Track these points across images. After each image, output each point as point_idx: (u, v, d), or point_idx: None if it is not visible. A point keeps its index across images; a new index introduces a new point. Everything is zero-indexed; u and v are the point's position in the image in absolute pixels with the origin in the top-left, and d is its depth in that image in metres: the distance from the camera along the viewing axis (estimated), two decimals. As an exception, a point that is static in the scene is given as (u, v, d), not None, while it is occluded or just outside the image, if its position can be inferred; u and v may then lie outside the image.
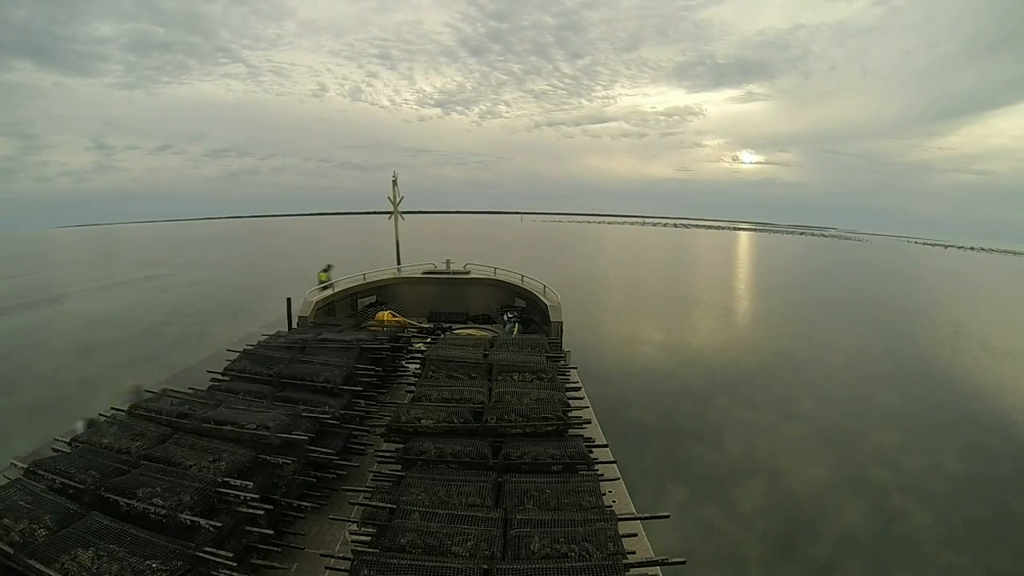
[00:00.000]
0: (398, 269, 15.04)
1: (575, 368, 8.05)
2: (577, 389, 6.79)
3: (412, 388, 6.49)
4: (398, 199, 17.53)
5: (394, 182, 17.44)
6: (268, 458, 4.68)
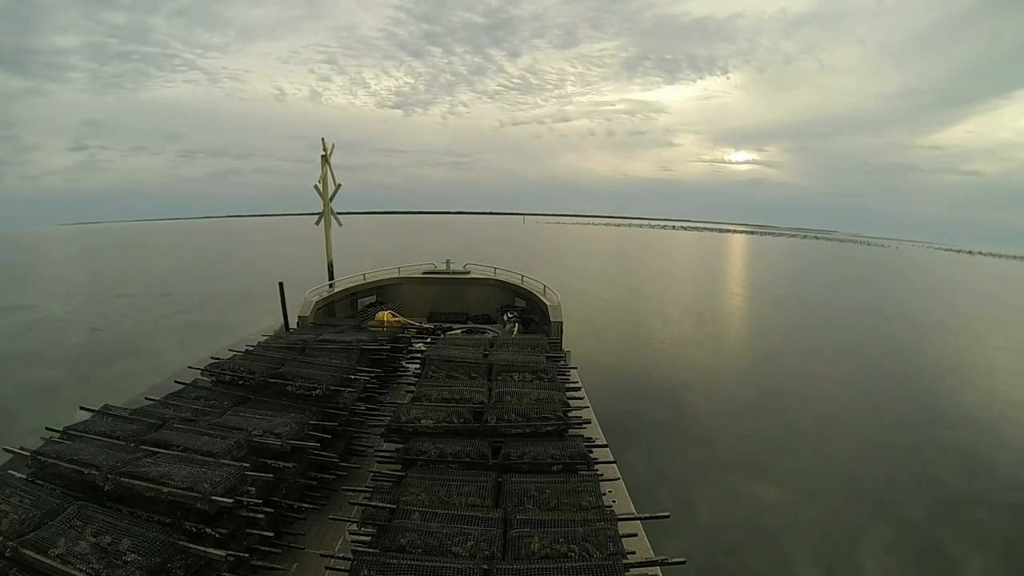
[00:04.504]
0: (398, 269, 14.96)
1: (575, 368, 8.02)
2: (577, 389, 6.76)
3: (412, 388, 6.48)
4: (332, 190, 12.39)
5: (324, 158, 12.21)
6: (270, 462, 4.66)
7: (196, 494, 3.72)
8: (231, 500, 3.79)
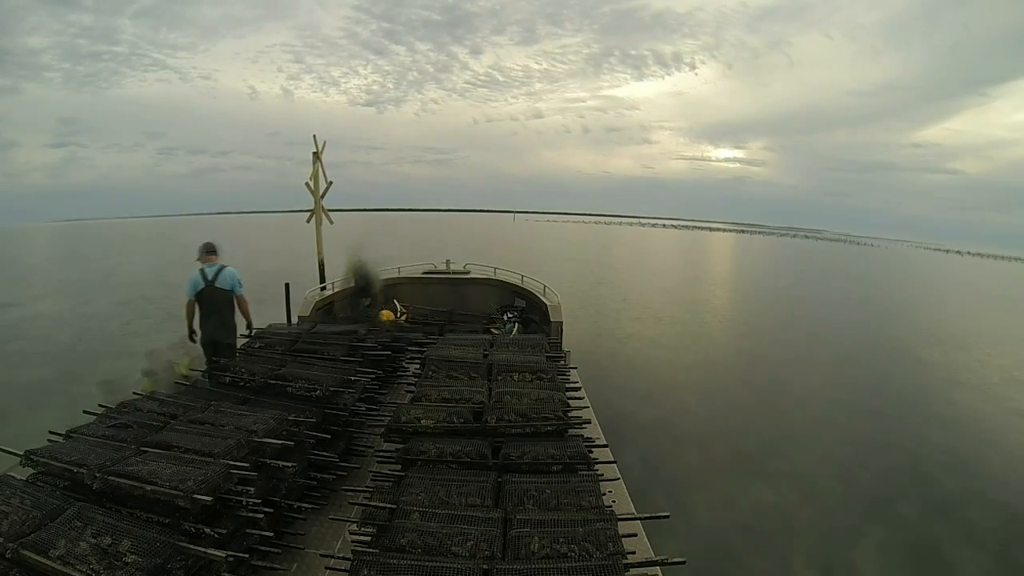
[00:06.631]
0: (398, 269, 14.94)
1: (575, 368, 8.05)
2: (577, 389, 6.79)
3: (412, 388, 6.48)
4: (323, 187, 12.12)
5: (316, 155, 11.74)
6: (269, 462, 4.66)
7: (177, 492, 3.68)
8: (211, 499, 3.74)
